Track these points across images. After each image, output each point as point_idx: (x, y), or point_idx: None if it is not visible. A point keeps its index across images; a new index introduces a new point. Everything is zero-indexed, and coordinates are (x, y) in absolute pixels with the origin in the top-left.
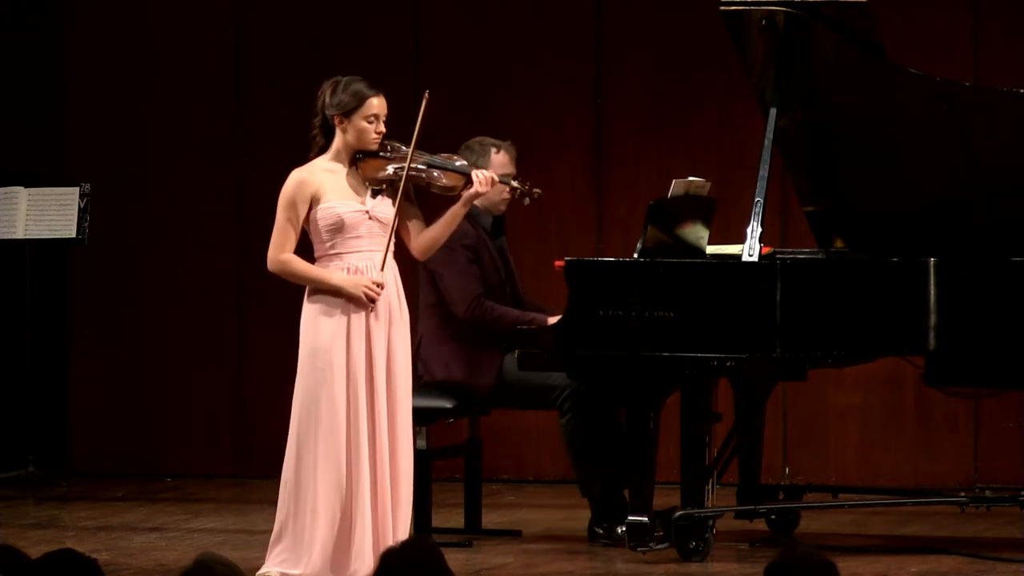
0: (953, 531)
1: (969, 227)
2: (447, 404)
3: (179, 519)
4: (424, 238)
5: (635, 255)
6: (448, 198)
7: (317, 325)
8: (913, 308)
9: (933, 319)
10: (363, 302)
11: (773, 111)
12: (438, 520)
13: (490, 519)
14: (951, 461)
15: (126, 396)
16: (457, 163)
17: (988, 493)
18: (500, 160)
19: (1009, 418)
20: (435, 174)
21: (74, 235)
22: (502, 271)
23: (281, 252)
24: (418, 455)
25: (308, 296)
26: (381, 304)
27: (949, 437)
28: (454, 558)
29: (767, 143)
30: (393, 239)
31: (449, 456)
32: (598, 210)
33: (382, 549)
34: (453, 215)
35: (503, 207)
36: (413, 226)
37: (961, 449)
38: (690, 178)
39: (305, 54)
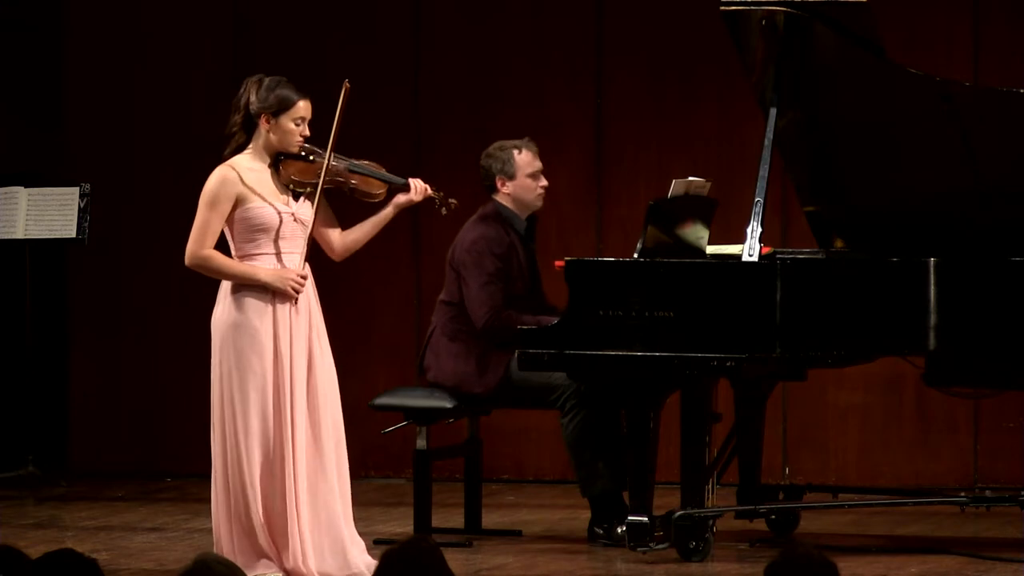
0: (953, 531)
1: (969, 227)
2: (447, 404)
3: (179, 519)
4: (345, 240)
5: (635, 255)
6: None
7: (241, 323)
8: (913, 308)
9: (933, 319)
10: (289, 295)
11: (773, 111)
12: (438, 520)
13: (490, 519)
14: (951, 461)
15: (126, 396)
16: (382, 171)
17: (988, 493)
18: (525, 159)
19: (1009, 418)
20: (356, 179)
21: (74, 235)
22: (529, 278)
23: (201, 248)
24: (418, 455)
25: (230, 293)
26: (301, 301)
27: (949, 437)
28: (454, 558)
29: (767, 143)
30: (309, 242)
31: (449, 456)
32: (598, 210)
33: (311, 545)
34: (380, 219)
35: (539, 203)
36: (327, 227)
37: (961, 449)
38: (690, 178)
39: (305, 54)
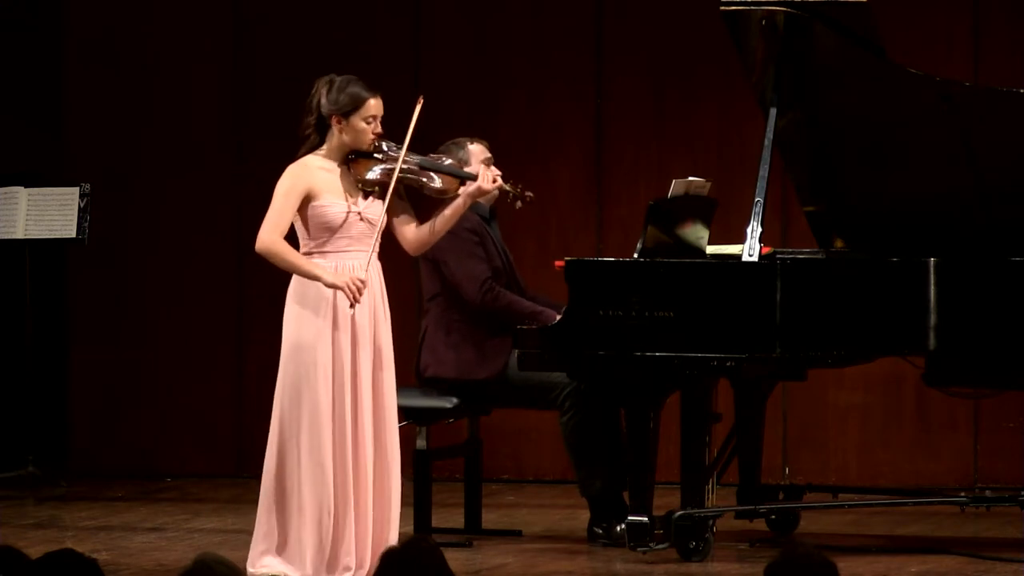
0: (953, 531)
1: (969, 227)
2: (447, 404)
3: (179, 519)
4: (420, 233)
5: (635, 255)
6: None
7: (302, 320)
8: (913, 308)
9: (933, 319)
10: (346, 295)
11: (773, 111)
12: (438, 520)
13: (490, 519)
14: (951, 461)
15: (126, 396)
16: (449, 164)
17: (988, 493)
18: (477, 148)
19: (1009, 418)
20: (428, 176)
21: (74, 235)
22: (505, 259)
23: (273, 234)
24: (418, 455)
25: (294, 290)
26: (366, 302)
27: (949, 437)
28: (454, 558)
29: (767, 143)
30: (379, 241)
31: (449, 456)
32: (598, 210)
33: (367, 547)
34: (454, 210)
35: (496, 193)
36: (404, 222)
37: (961, 449)
38: (690, 178)
39: (305, 54)
